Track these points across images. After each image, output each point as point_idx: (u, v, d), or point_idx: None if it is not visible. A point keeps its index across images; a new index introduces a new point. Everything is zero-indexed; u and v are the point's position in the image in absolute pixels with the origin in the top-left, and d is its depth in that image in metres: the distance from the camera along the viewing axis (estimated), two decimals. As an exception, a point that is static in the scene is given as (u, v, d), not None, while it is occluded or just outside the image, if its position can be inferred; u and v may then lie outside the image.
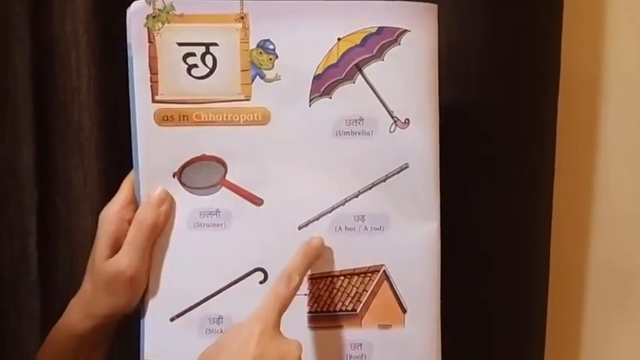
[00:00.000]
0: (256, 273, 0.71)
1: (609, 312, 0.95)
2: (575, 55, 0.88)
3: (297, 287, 0.68)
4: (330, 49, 0.70)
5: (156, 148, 0.70)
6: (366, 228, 0.72)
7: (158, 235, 0.70)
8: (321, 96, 0.71)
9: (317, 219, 0.71)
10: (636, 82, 0.90)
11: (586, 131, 0.92)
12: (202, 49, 0.70)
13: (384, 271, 0.72)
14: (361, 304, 0.72)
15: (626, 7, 0.90)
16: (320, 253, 0.71)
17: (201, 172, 0.71)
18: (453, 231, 0.74)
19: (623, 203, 0.93)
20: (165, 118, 0.70)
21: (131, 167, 0.72)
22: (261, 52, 0.70)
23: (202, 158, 0.71)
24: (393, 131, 0.71)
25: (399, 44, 0.70)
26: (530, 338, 0.90)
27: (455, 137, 0.74)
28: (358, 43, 0.70)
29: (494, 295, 0.88)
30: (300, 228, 0.71)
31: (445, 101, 0.73)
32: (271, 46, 0.70)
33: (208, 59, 0.70)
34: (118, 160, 0.81)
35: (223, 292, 0.71)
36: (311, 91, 0.71)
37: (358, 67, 0.71)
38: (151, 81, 0.70)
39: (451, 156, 0.73)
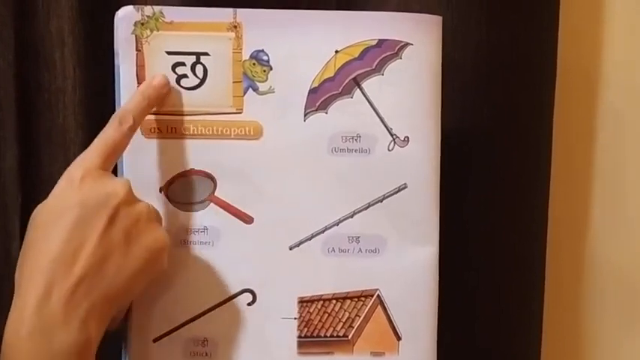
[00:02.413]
0: (244, 294, 0.69)
1: (607, 319, 0.94)
2: (572, 56, 0.87)
3: (133, 130, 0.64)
4: (327, 62, 0.68)
5: (141, 161, 0.68)
6: (360, 250, 0.69)
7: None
8: (316, 110, 0.68)
9: (309, 239, 0.69)
10: (633, 82, 0.90)
11: (583, 133, 0.91)
12: (193, 58, 0.67)
13: (379, 295, 0.69)
14: (353, 330, 0.69)
15: (624, 8, 0.89)
16: (162, 93, 0.66)
17: (189, 188, 0.68)
18: (447, 234, 0.72)
19: (621, 205, 0.92)
20: (152, 130, 0.67)
21: (116, 170, 0.68)
22: (254, 64, 0.67)
23: (190, 173, 0.68)
24: (392, 149, 0.69)
25: (400, 58, 0.68)
26: (527, 347, 0.89)
27: (450, 141, 0.72)
28: (357, 56, 0.68)
29: (488, 299, 0.86)
30: (291, 248, 0.69)
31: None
32: (265, 57, 0.67)
33: (199, 69, 0.67)
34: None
35: (209, 314, 0.69)
36: (306, 106, 0.68)
37: (356, 82, 0.68)
38: (138, 91, 0.67)
39: (446, 161, 0.72)
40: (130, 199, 0.62)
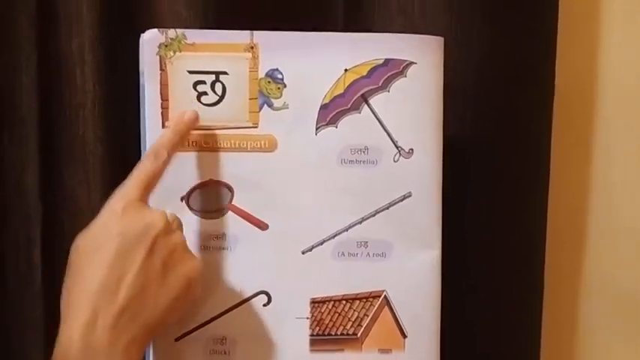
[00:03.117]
0: (260, 296, 0.73)
1: (605, 323, 0.95)
2: (570, 64, 0.89)
3: (166, 163, 0.67)
4: (337, 80, 0.72)
5: (165, 171, 0.71)
6: (368, 254, 0.73)
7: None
8: (327, 125, 0.72)
9: (320, 244, 0.73)
10: (630, 89, 0.91)
11: (581, 140, 0.93)
12: (212, 77, 0.71)
13: (385, 296, 0.73)
14: (362, 329, 0.73)
15: (621, 17, 0.90)
16: (191, 127, 0.70)
17: (208, 197, 0.72)
18: (448, 239, 0.75)
19: (619, 209, 0.94)
20: (175, 144, 0.71)
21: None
22: (269, 81, 0.71)
23: (210, 183, 0.72)
24: (397, 160, 0.73)
25: (405, 76, 0.72)
26: (526, 350, 0.90)
27: (450, 147, 0.75)
28: (364, 74, 0.72)
29: (488, 302, 0.89)
30: (303, 252, 0.73)
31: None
32: (280, 76, 0.71)
33: (218, 87, 0.71)
34: (121, 175, 0.81)
35: (228, 314, 0.72)
36: (317, 120, 0.72)
37: (364, 98, 0.72)
38: (162, 107, 0.71)
39: (447, 167, 0.75)
40: (168, 229, 0.65)
